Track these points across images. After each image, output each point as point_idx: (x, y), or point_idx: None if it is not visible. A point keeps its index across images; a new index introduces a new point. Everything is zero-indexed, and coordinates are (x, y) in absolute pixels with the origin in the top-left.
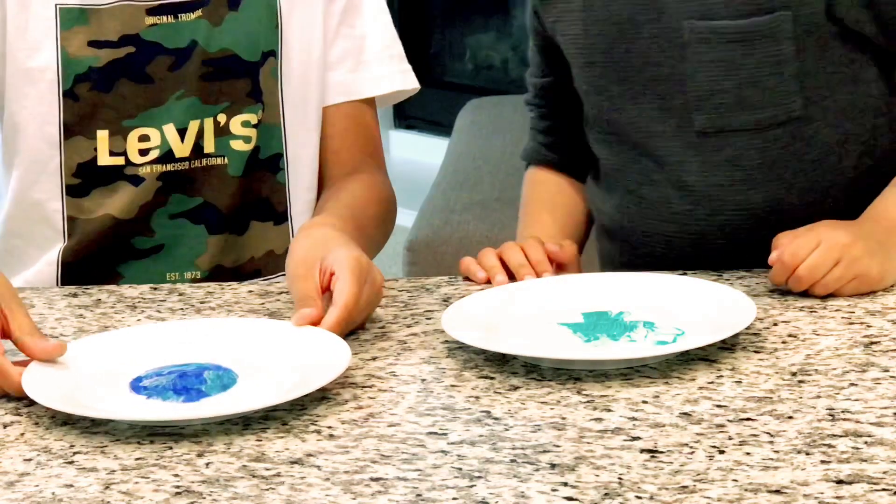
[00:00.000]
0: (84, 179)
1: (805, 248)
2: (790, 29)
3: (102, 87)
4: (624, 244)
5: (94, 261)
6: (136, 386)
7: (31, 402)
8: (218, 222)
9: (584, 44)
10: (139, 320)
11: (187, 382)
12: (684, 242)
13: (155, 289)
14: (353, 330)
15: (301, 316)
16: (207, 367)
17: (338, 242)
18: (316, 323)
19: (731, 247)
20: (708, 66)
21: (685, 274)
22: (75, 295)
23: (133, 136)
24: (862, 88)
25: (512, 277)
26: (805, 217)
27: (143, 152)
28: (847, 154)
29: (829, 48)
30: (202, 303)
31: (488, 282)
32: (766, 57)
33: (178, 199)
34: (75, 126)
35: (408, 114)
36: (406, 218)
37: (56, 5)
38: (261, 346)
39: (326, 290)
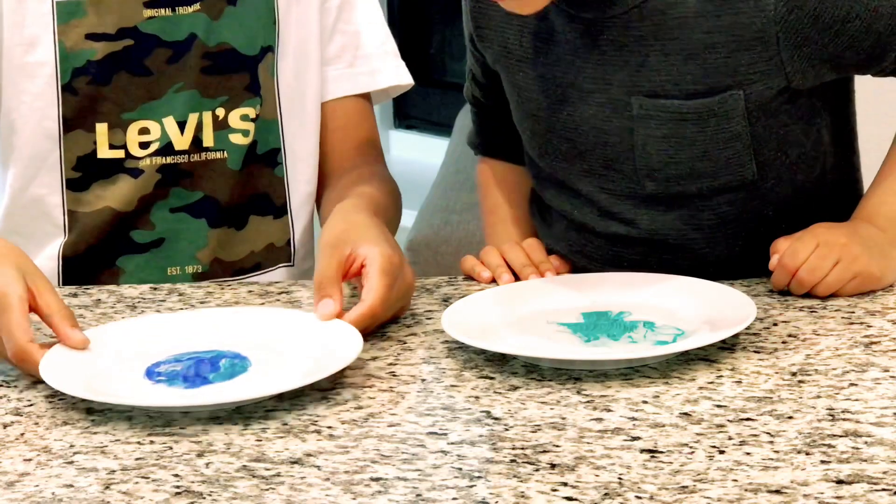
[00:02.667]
0: (84, 173)
1: (804, 249)
2: (742, 107)
3: (101, 81)
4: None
5: (94, 255)
6: (151, 371)
7: (31, 403)
8: (218, 216)
9: (528, 96)
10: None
11: (200, 369)
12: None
13: (155, 288)
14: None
15: (324, 315)
16: (226, 354)
17: (372, 233)
18: (339, 316)
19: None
20: (658, 140)
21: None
22: (75, 295)
23: (133, 128)
24: (813, 137)
25: (514, 277)
26: (753, 267)
27: (144, 145)
28: (802, 204)
29: (780, 113)
30: (202, 303)
31: (492, 281)
32: (717, 133)
33: (178, 192)
34: (74, 120)
35: (408, 114)
36: (406, 218)
37: (53, 0)
38: (281, 334)
39: (352, 276)
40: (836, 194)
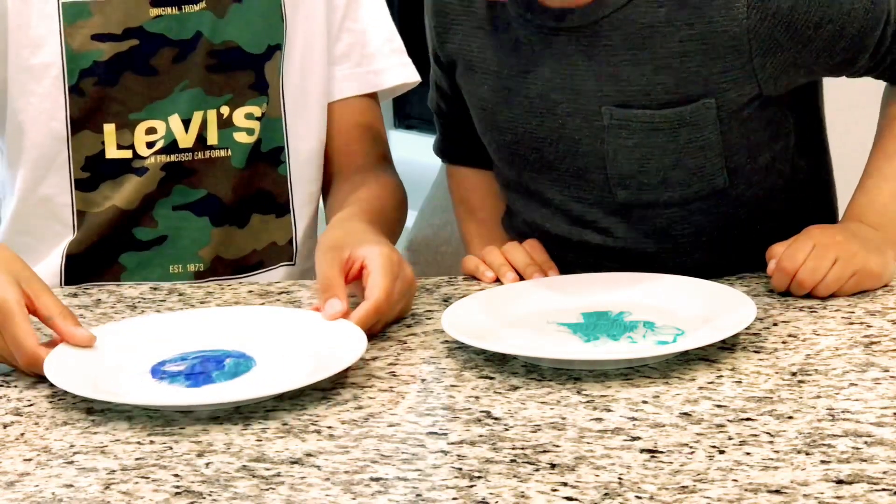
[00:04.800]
0: (93, 173)
1: (801, 251)
2: (714, 115)
3: (108, 81)
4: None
5: (97, 252)
6: (156, 370)
7: (31, 403)
8: (221, 214)
9: (494, 108)
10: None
11: (205, 368)
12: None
13: (155, 288)
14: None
15: (331, 314)
16: (231, 353)
17: (369, 237)
18: (344, 317)
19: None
20: (629, 150)
21: (685, 274)
22: (75, 295)
23: (140, 129)
24: (782, 142)
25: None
26: (735, 267)
27: (150, 144)
28: (772, 206)
29: (751, 120)
30: (202, 302)
31: (496, 281)
32: (689, 142)
33: (181, 190)
34: (82, 120)
35: (408, 113)
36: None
37: (59, 1)
38: (286, 333)
39: (352, 280)
40: (808, 193)
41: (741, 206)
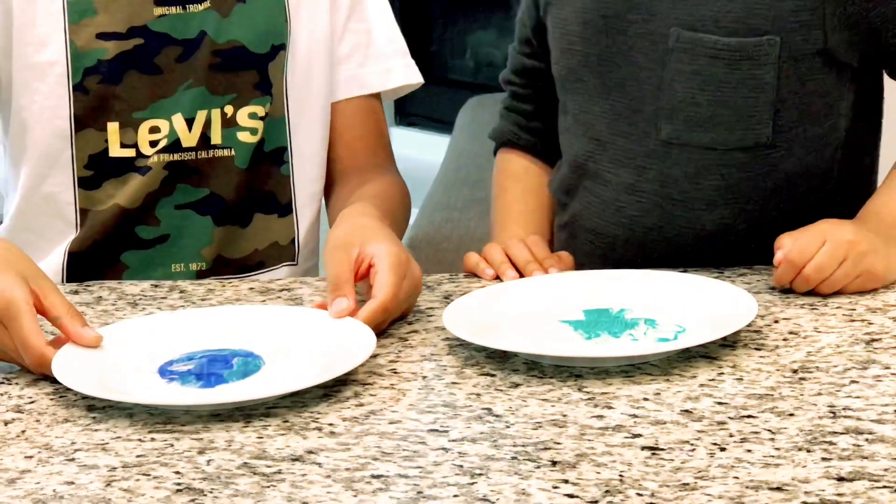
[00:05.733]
0: (96, 171)
1: (811, 246)
2: (775, 55)
3: (112, 80)
4: (570, 240)
5: (99, 250)
6: (164, 370)
7: (33, 400)
8: (223, 213)
9: (570, 30)
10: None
11: (213, 368)
12: (628, 250)
13: (156, 286)
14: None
15: (338, 311)
16: (239, 353)
17: (378, 234)
18: (351, 315)
19: (671, 261)
20: (687, 76)
21: (686, 271)
22: (76, 292)
23: (144, 127)
24: (831, 121)
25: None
26: (749, 246)
27: (154, 143)
28: (803, 185)
29: (809, 79)
30: (203, 300)
31: (496, 278)
32: (745, 79)
33: (184, 189)
34: (86, 119)
35: (409, 111)
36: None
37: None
38: (294, 332)
39: (361, 278)
40: (845, 192)
41: (774, 175)
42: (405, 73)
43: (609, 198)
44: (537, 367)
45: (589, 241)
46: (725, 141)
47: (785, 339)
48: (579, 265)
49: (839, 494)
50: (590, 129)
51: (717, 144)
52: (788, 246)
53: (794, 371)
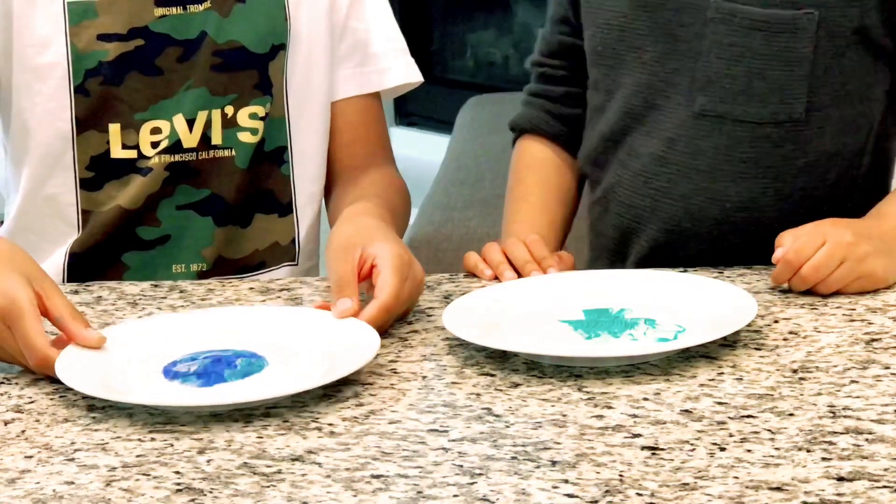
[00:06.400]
0: (97, 173)
1: (810, 246)
2: (812, 29)
3: (113, 81)
4: (603, 214)
5: (100, 251)
6: (168, 370)
7: (32, 400)
8: (224, 214)
9: (608, 6)
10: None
11: (216, 368)
12: (654, 225)
13: (156, 286)
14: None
15: (341, 311)
16: (242, 353)
17: (381, 234)
18: (354, 315)
19: (695, 238)
20: (723, 47)
21: (685, 271)
22: (76, 292)
23: (145, 129)
24: (865, 105)
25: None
26: (773, 225)
27: (155, 144)
28: (833, 168)
29: (845, 57)
30: (203, 300)
31: (495, 278)
32: (781, 51)
33: (184, 190)
34: (87, 120)
35: (409, 111)
36: None
37: (64, 0)
38: (297, 333)
39: (364, 279)
40: (868, 181)
41: (805, 153)
42: (405, 72)
43: (638, 169)
44: (537, 367)
45: (619, 215)
46: (758, 114)
47: (785, 339)
48: (612, 242)
49: (839, 494)
50: (622, 102)
51: (749, 117)
52: (787, 245)
53: (794, 371)
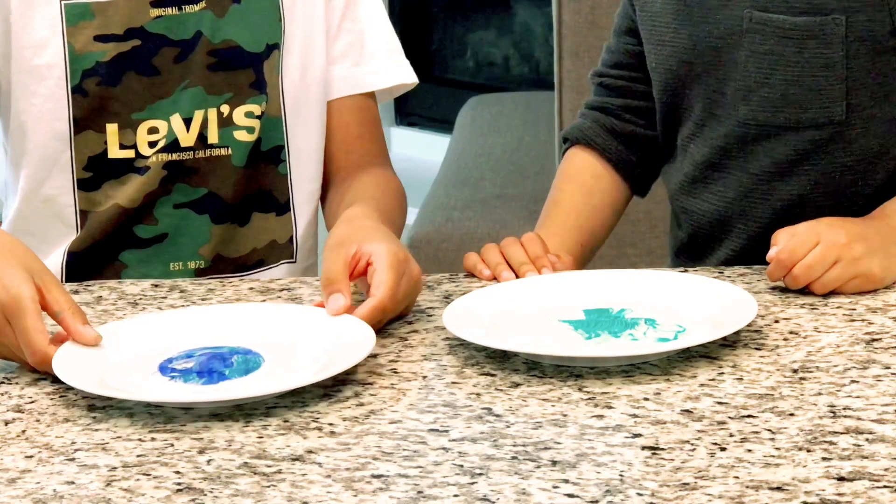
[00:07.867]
0: (95, 173)
1: (803, 246)
2: (841, 33)
3: (110, 81)
4: (676, 217)
5: (98, 250)
6: (164, 367)
7: (33, 400)
8: (221, 212)
9: (661, 21)
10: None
11: (213, 365)
12: (713, 227)
13: (156, 285)
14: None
15: (334, 310)
16: (238, 350)
17: (377, 233)
18: (348, 311)
19: (745, 237)
20: (760, 57)
21: (686, 271)
22: (76, 292)
23: (143, 128)
24: None
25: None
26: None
27: (153, 144)
28: (880, 166)
29: (881, 58)
30: (203, 299)
31: (493, 279)
32: (814, 57)
33: (182, 189)
34: (85, 121)
35: (409, 111)
36: (407, 215)
37: (61, 2)
38: (293, 330)
39: (359, 275)
40: None
41: (851, 153)
42: (399, 73)
43: (697, 175)
44: (537, 367)
45: (687, 221)
46: (798, 120)
47: (785, 339)
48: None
49: (839, 494)
50: (687, 112)
51: (790, 123)
52: (782, 243)
53: (795, 371)
